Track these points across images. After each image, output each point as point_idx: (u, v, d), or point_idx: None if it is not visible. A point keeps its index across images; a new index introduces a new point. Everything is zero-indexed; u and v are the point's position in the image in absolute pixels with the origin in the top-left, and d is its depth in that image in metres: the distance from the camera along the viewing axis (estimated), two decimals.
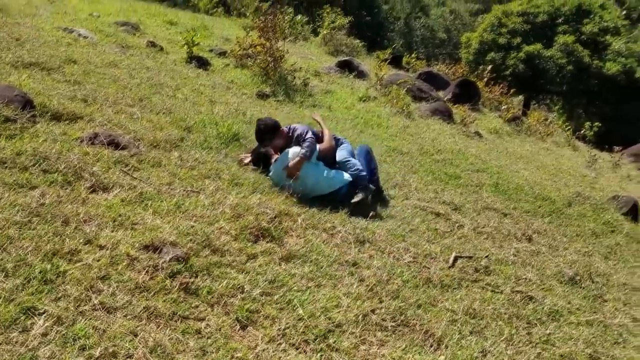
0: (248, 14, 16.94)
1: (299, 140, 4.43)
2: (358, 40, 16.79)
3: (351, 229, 3.88)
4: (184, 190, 3.58)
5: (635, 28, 26.45)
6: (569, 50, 23.98)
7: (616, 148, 14.00)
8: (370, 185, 4.52)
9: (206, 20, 14.13)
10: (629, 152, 15.77)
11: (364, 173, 4.54)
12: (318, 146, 4.48)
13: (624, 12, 24.27)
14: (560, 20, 25.43)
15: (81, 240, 2.63)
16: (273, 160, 4.44)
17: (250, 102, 6.89)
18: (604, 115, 24.46)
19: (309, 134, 4.44)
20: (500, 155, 8.51)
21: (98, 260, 2.51)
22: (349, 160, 4.57)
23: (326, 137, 4.73)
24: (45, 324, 2.06)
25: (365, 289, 3.08)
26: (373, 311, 2.85)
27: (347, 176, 4.46)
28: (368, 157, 4.88)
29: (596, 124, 15.70)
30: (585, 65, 23.81)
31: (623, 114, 25.31)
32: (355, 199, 4.31)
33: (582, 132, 15.17)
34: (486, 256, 4.10)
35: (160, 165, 3.91)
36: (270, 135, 4.50)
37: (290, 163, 4.26)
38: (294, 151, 4.34)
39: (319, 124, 5.01)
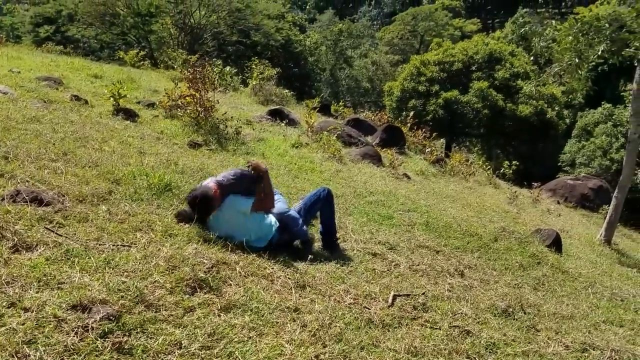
0: (176, 67, 17.00)
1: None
2: (287, 90, 17.17)
3: (291, 273, 3.85)
4: (114, 245, 3.43)
5: (543, 72, 28.66)
6: (484, 95, 25.71)
7: (535, 184, 14.87)
8: (310, 235, 4.51)
9: (133, 73, 13.97)
10: (546, 187, 16.85)
11: (304, 228, 4.50)
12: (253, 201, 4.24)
13: (532, 58, 26.33)
14: (474, 68, 27.34)
15: (4, 304, 2.45)
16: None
17: (182, 151, 6.80)
18: (521, 154, 26.13)
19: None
20: (428, 195, 8.82)
21: (23, 324, 2.34)
22: (287, 212, 4.47)
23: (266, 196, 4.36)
24: None
25: (308, 334, 3.04)
26: (317, 357, 2.81)
27: (273, 220, 4.37)
28: (331, 201, 4.83)
29: (514, 162, 16.61)
30: (499, 109, 25.56)
31: (538, 152, 27.17)
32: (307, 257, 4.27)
33: (502, 170, 16.03)
34: (423, 293, 4.18)
35: (87, 220, 3.74)
36: (209, 210, 4.12)
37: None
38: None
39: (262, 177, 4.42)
